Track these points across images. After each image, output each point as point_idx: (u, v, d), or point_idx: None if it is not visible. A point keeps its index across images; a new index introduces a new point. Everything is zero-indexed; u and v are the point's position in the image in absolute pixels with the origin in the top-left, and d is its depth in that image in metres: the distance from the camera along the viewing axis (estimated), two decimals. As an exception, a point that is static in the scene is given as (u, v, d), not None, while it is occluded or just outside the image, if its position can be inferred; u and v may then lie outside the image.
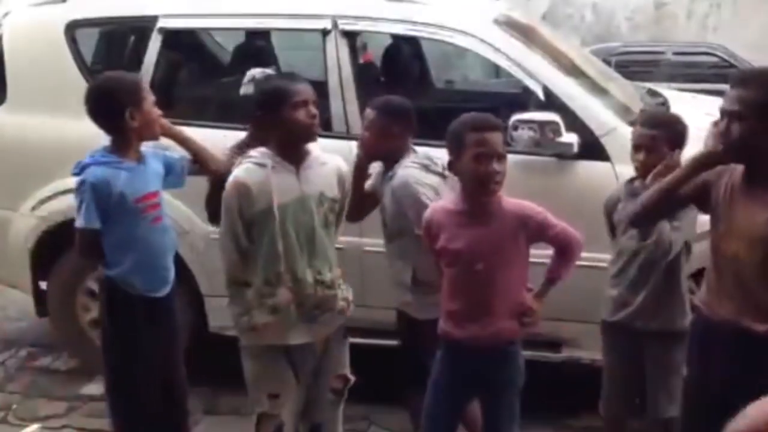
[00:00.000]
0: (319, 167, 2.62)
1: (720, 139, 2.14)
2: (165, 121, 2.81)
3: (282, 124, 2.54)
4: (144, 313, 2.76)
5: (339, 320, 2.70)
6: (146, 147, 2.82)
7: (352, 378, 2.77)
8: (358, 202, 2.94)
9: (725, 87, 6.14)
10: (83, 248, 2.76)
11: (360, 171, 2.99)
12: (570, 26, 10.60)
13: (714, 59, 8.18)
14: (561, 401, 3.48)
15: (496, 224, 2.41)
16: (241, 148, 2.98)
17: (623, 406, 2.85)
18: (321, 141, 3.30)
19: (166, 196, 2.94)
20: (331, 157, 2.70)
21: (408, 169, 2.79)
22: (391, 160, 2.91)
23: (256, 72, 3.12)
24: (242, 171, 2.57)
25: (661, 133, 2.66)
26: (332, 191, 2.64)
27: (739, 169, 2.21)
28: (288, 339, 2.60)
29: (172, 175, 2.86)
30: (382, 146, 2.91)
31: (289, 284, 2.56)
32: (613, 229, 2.84)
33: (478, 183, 2.39)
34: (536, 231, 2.43)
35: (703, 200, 2.28)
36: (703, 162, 2.20)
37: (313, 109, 2.55)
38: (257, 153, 2.60)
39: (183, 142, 2.89)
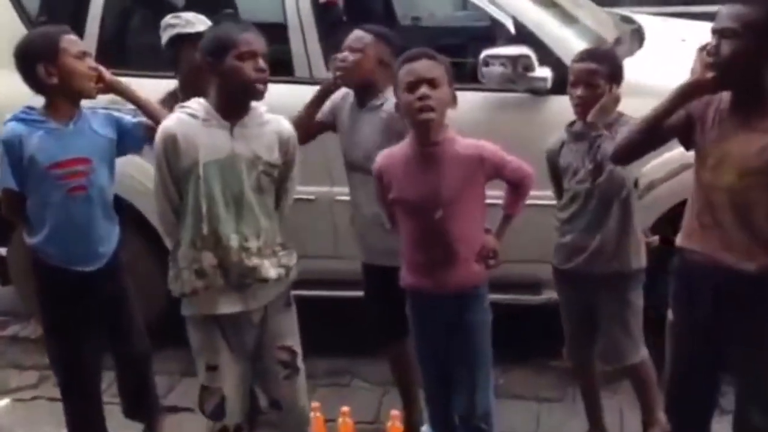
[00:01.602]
0: (257, 127, 2.42)
1: (709, 65, 2.02)
2: (110, 77, 2.63)
3: (224, 74, 2.35)
4: (67, 284, 2.62)
5: (277, 288, 2.52)
6: (95, 109, 2.65)
7: (298, 350, 2.59)
8: (306, 129, 2.80)
9: (693, 9, 6.03)
10: (4, 209, 2.62)
11: (325, 95, 2.85)
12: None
13: (684, -20, 8.02)
14: (542, 343, 3.44)
15: (451, 167, 2.36)
16: (173, 99, 2.82)
17: (586, 352, 2.81)
18: (282, 87, 3.20)
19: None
20: (274, 118, 2.48)
21: None
22: (368, 91, 2.76)
23: (167, 18, 2.93)
24: (171, 121, 2.39)
25: (599, 68, 2.59)
26: (270, 154, 2.43)
27: (725, 98, 2.11)
28: (219, 308, 2.44)
29: (127, 141, 2.69)
30: (370, 71, 2.76)
31: (212, 248, 2.39)
32: (556, 178, 2.76)
33: (411, 114, 2.33)
34: (493, 171, 2.40)
35: (686, 133, 2.19)
36: (690, 91, 2.10)
37: (262, 63, 2.35)
38: (193, 103, 2.42)
39: (135, 101, 2.69)
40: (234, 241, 2.41)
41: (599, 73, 2.57)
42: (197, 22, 2.85)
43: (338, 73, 2.79)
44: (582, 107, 2.60)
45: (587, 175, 2.60)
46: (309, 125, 2.85)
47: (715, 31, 2.04)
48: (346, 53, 2.78)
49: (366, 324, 2.97)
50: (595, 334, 2.75)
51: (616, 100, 2.57)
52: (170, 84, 3.17)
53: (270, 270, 2.46)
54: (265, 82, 2.37)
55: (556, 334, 3.16)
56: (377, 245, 2.80)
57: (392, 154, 2.47)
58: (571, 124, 2.71)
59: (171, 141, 2.35)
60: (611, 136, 2.49)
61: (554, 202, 2.85)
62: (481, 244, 2.43)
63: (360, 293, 3.00)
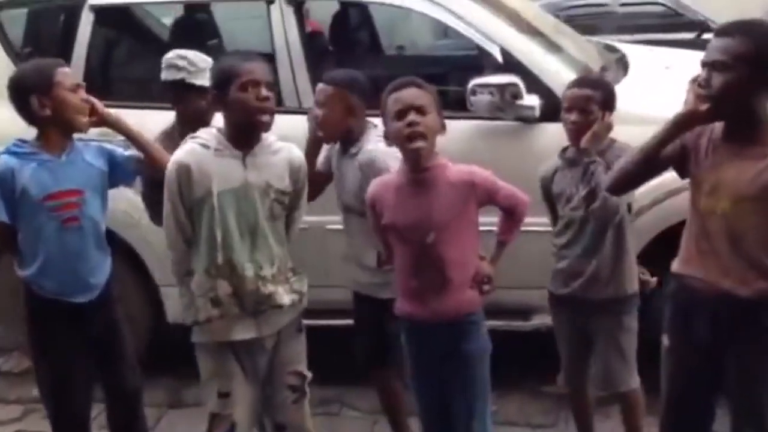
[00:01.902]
0: (269, 155, 2.45)
1: (701, 97, 2.05)
2: (103, 109, 2.61)
3: (228, 106, 2.37)
4: (61, 316, 2.58)
5: (290, 315, 2.53)
6: (88, 141, 2.63)
7: (309, 374, 2.62)
8: (311, 182, 2.78)
9: (673, 36, 6.15)
10: None
11: (314, 149, 2.86)
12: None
13: (660, 9, 8.17)
14: (534, 369, 3.45)
15: (442, 192, 2.37)
16: (170, 137, 2.83)
17: (582, 377, 2.81)
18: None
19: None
20: (285, 146, 2.51)
21: (376, 144, 2.65)
22: (348, 139, 2.79)
23: (172, 55, 2.92)
24: (184, 151, 2.40)
25: (594, 94, 2.62)
26: (281, 182, 2.46)
27: (717, 127, 2.14)
28: (233, 335, 2.44)
29: (119, 174, 2.68)
30: (341, 123, 2.77)
31: (228, 277, 2.40)
32: (550, 203, 2.78)
33: (401, 141, 2.34)
34: (485, 196, 2.40)
35: (681, 163, 2.21)
36: (684, 122, 2.12)
37: (265, 91, 2.36)
38: (205, 133, 2.44)
39: (128, 135, 2.67)
40: (249, 270, 2.42)
41: (593, 100, 2.60)
42: (204, 68, 2.80)
43: (317, 131, 2.81)
44: (575, 133, 2.62)
45: (581, 202, 2.61)
46: (312, 178, 2.80)
47: (705, 64, 2.07)
48: (314, 108, 2.81)
49: (355, 352, 2.96)
50: (590, 360, 2.75)
51: (609, 126, 2.60)
52: (155, 115, 3.18)
53: (284, 296, 2.48)
54: (269, 111, 2.39)
55: (547, 360, 3.17)
56: (364, 280, 2.84)
57: (385, 182, 2.49)
58: (564, 150, 2.73)
59: (184, 171, 2.36)
60: (603, 162, 2.51)
61: (544, 228, 2.86)
62: (474, 269, 2.43)
63: (350, 322, 2.99)
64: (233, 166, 2.39)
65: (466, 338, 2.43)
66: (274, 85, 2.47)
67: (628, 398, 2.75)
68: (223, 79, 2.39)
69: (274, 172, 2.45)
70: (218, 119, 2.79)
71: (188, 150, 2.41)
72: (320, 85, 2.83)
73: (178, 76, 2.85)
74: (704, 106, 2.05)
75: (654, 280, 2.76)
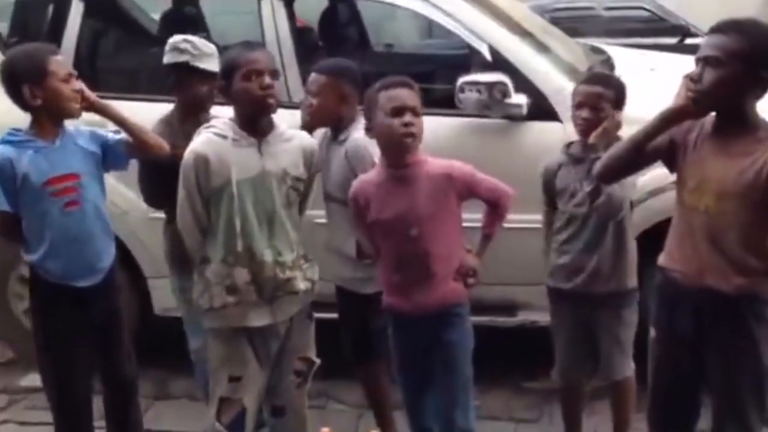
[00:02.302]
0: (283, 143, 2.50)
1: (691, 92, 2.08)
2: (94, 97, 2.61)
3: (234, 95, 2.42)
4: (66, 301, 2.60)
5: (303, 301, 2.60)
6: (79, 126, 2.63)
7: (317, 360, 2.69)
8: None
9: (657, 41, 6.19)
10: (1, 230, 2.63)
11: None
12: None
13: (644, 13, 8.24)
14: (518, 365, 3.49)
15: (423, 186, 2.40)
16: (168, 124, 2.84)
17: (578, 372, 2.84)
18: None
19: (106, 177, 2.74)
20: (297, 133, 2.58)
21: (362, 132, 2.67)
22: (339, 126, 2.81)
23: (177, 39, 2.92)
24: (201, 141, 2.44)
25: (606, 92, 2.65)
26: (296, 169, 2.52)
27: (708, 123, 2.17)
28: (249, 321, 2.49)
29: (111, 158, 2.68)
30: (334, 111, 2.80)
31: (247, 264, 2.45)
32: (550, 197, 2.81)
33: (392, 136, 2.38)
34: (465, 189, 2.43)
35: (670, 157, 2.25)
36: (673, 116, 2.16)
37: (268, 79, 2.41)
38: (218, 123, 2.48)
39: (117, 120, 2.67)
40: (268, 256, 2.46)
41: (605, 97, 2.62)
42: (209, 54, 2.82)
43: (308, 119, 2.84)
44: (585, 129, 2.64)
45: (585, 198, 2.64)
46: None
47: (698, 60, 2.10)
48: (307, 97, 2.84)
49: (341, 346, 2.98)
50: (587, 354, 2.78)
51: (618, 124, 2.61)
52: (144, 106, 3.18)
53: (300, 282, 2.53)
54: (273, 98, 2.42)
55: (531, 356, 3.21)
56: (341, 273, 2.87)
57: (366, 179, 2.52)
58: (568, 145, 2.76)
59: (202, 162, 2.40)
60: None
61: (529, 225, 2.90)
62: (458, 260, 2.45)
63: (335, 315, 3.01)
64: (250, 155, 2.44)
65: (450, 329, 2.47)
66: (278, 74, 2.50)
67: (622, 386, 2.79)
68: (227, 70, 2.44)
69: (290, 159, 2.50)
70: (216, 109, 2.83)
71: (205, 140, 2.44)
72: (313, 75, 2.86)
73: (182, 58, 2.83)
74: (693, 103, 2.07)
75: None
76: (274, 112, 2.47)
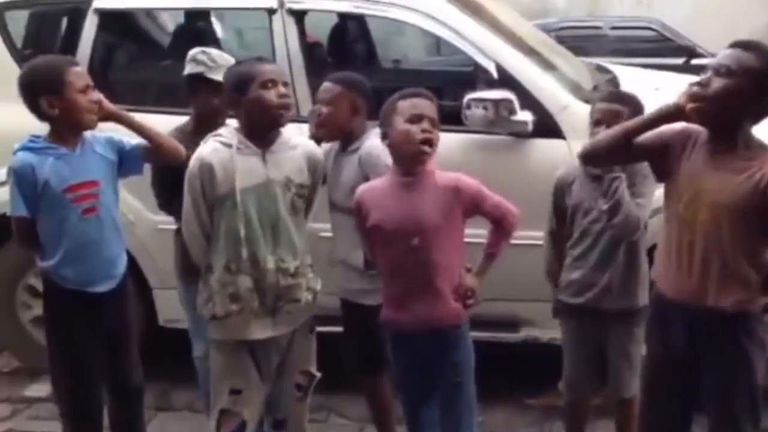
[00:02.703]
0: (288, 150, 2.54)
1: (694, 95, 2.09)
2: (111, 107, 2.65)
3: (249, 104, 2.45)
4: (80, 307, 2.63)
5: (305, 313, 2.61)
6: (95, 133, 2.67)
7: (318, 374, 2.70)
8: None
9: (662, 61, 6.19)
10: (17, 236, 2.67)
11: None
12: (508, 2, 10.58)
13: (651, 33, 8.28)
14: (521, 381, 3.49)
15: (429, 197, 2.40)
16: (183, 133, 2.88)
17: (588, 387, 2.85)
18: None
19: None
20: (302, 140, 2.62)
21: (377, 140, 2.67)
22: (349, 138, 2.84)
23: (195, 50, 2.97)
24: (207, 150, 2.47)
25: (624, 110, 2.66)
26: (301, 176, 2.55)
27: (702, 136, 2.19)
28: (251, 334, 2.51)
29: (128, 163, 2.72)
30: (346, 121, 2.83)
31: (249, 272, 2.47)
32: (559, 209, 2.81)
33: (409, 143, 2.38)
34: (471, 204, 2.42)
35: (660, 162, 2.25)
36: (668, 113, 2.16)
37: (283, 89, 2.46)
38: (225, 131, 2.51)
39: (134, 128, 2.71)
40: (271, 263, 2.48)
41: (623, 115, 2.61)
42: (224, 65, 2.84)
43: (319, 129, 2.85)
44: None
45: (601, 215, 2.65)
46: None
47: (710, 68, 2.12)
48: (319, 107, 2.86)
49: (343, 359, 2.99)
50: (596, 369, 2.79)
51: None
52: (157, 119, 3.22)
53: (303, 291, 2.55)
54: (288, 108, 2.48)
55: (533, 372, 3.21)
56: (345, 285, 2.87)
57: (372, 186, 2.53)
58: None
59: (208, 170, 2.44)
60: (625, 177, 2.56)
61: (533, 242, 2.91)
62: (459, 281, 2.43)
63: (339, 329, 3.02)
64: (254, 163, 2.47)
65: (453, 348, 2.45)
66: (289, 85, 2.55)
67: (628, 404, 2.78)
68: (242, 81, 2.47)
69: (294, 166, 2.53)
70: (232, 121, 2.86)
71: (211, 149, 2.47)
72: (326, 84, 2.88)
73: (197, 69, 2.89)
74: (691, 105, 2.09)
75: None
76: (284, 125, 2.51)
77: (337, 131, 2.86)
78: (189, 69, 2.92)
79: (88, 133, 2.66)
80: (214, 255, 2.50)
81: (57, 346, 2.69)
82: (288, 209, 2.52)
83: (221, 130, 2.53)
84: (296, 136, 2.58)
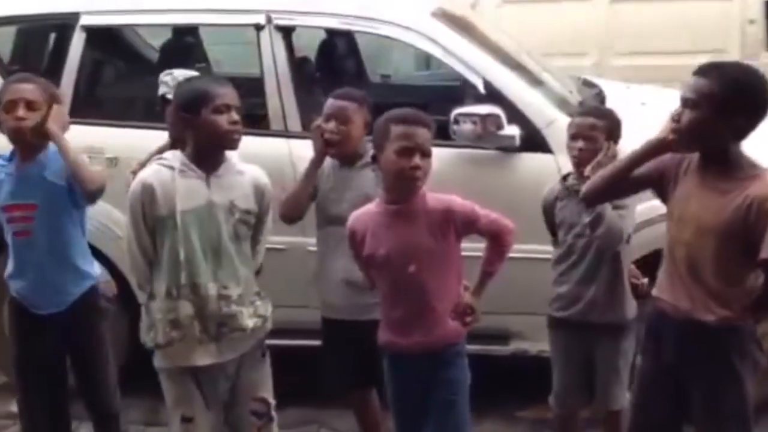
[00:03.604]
0: (233, 176, 2.48)
1: (673, 130, 2.15)
2: (50, 126, 2.55)
3: (200, 127, 2.40)
4: (28, 323, 2.64)
5: (252, 339, 2.54)
6: (56, 156, 2.59)
7: (272, 401, 2.62)
8: (305, 198, 2.86)
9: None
10: None
11: (318, 167, 2.89)
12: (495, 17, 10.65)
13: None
14: (510, 394, 3.49)
15: (421, 222, 2.37)
16: (163, 151, 2.88)
17: (577, 399, 2.86)
18: (258, 140, 3.27)
19: (100, 203, 2.76)
20: (249, 168, 2.54)
21: None
22: (356, 153, 2.85)
23: (172, 72, 3.00)
24: (148, 172, 2.45)
25: (600, 123, 2.71)
26: (246, 203, 2.48)
27: (695, 158, 2.22)
28: (193, 360, 2.45)
29: (77, 192, 2.62)
30: (361, 138, 2.83)
31: (190, 297, 2.41)
32: (552, 228, 2.84)
33: (399, 177, 2.34)
34: (464, 224, 2.39)
35: (658, 187, 2.30)
36: (654, 148, 2.21)
37: (235, 116, 2.42)
38: (168, 155, 2.49)
39: (60, 150, 2.57)
40: (212, 290, 2.43)
41: (599, 128, 2.67)
42: None
43: (331, 147, 2.84)
44: (580, 161, 2.68)
45: (584, 229, 2.68)
46: (304, 196, 2.88)
47: (680, 99, 2.17)
48: (334, 125, 2.83)
49: (323, 376, 2.98)
50: (585, 383, 2.80)
51: (614, 156, 2.63)
52: (143, 134, 3.23)
53: (247, 319, 2.48)
54: (238, 134, 2.44)
55: (523, 385, 3.21)
56: (341, 302, 2.85)
57: (362, 214, 2.48)
58: (565, 177, 2.80)
59: (148, 191, 2.39)
60: None
61: (524, 255, 2.92)
62: (457, 296, 2.41)
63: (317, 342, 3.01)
64: (197, 187, 2.42)
65: (449, 367, 2.43)
66: (241, 110, 2.48)
67: (615, 417, 2.80)
68: (194, 102, 2.41)
69: (239, 192, 2.47)
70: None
71: (152, 170, 2.45)
72: (344, 103, 2.85)
73: (162, 90, 2.94)
74: (672, 137, 2.14)
75: (646, 281, 2.78)
76: (236, 147, 2.47)
77: (352, 147, 2.85)
78: (159, 90, 2.99)
79: (46, 155, 2.61)
80: (156, 281, 2.45)
81: (14, 358, 2.73)
82: (230, 235, 2.45)
83: (165, 154, 2.51)
84: (242, 163, 2.52)
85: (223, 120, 2.39)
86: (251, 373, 2.56)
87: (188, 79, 2.71)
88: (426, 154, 2.33)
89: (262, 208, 2.55)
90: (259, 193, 2.53)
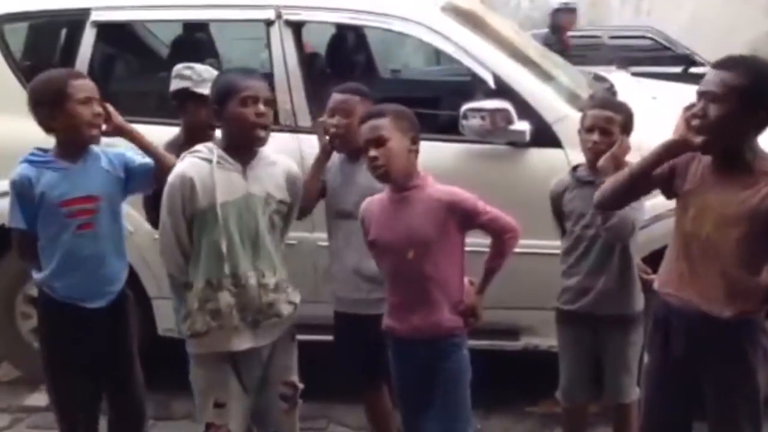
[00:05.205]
0: (267, 167, 2.52)
1: (695, 127, 2.10)
2: (118, 121, 2.63)
3: (228, 119, 2.44)
4: (69, 320, 2.62)
5: (285, 325, 2.59)
6: (105, 148, 2.67)
7: (301, 385, 2.66)
8: (314, 193, 2.86)
9: (661, 69, 6.24)
10: (16, 248, 2.68)
11: (325, 161, 2.91)
12: (506, 12, 10.64)
13: (649, 42, 8.30)
14: (520, 389, 3.49)
15: (422, 210, 2.41)
16: (175, 147, 2.88)
17: (585, 393, 2.86)
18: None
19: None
20: (281, 158, 2.59)
21: None
22: (359, 148, 2.80)
23: (180, 66, 3.00)
24: (186, 165, 2.46)
25: (616, 116, 2.69)
26: (280, 193, 2.54)
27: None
28: (231, 346, 2.48)
29: (136, 181, 2.70)
30: None
31: (230, 288, 2.45)
32: (560, 219, 2.84)
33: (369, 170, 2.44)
34: (465, 217, 2.41)
35: (668, 184, 2.27)
36: (675, 148, 2.17)
37: (263, 107, 2.43)
38: (203, 147, 2.50)
39: (142, 146, 2.68)
40: (252, 279, 2.47)
41: (615, 122, 2.66)
42: (209, 79, 2.86)
43: (335, 141, 2.86)
44: (595, 153, 2.67)
45: (593, 219, 2.66)
46: (313, 191, 2.88)
47: (701, 94, 2.12)
48: (337, 119, 2.85)
49: (339, 371, 2.98)
50: (593, 376, 2.80)
51: (626, 149, 2.63)
52: (154, 130, 3.24)
53: (283, 306, 2.53)
54: (265, 126, 2.45)
55: (532, 380, 3.21)
56: (352, 295, 2.86)
57: (372, 200, 2.55)
58: (575, 168, 2.79)
59: (188, 184, 2.42)
60: None
61: (533, 250, 2.93)
62: (457, 289, 2.45)
63: (329, 338, 3.02)
64: (235, 179, 2.45)
65: (446, 358, 2.46)
66: (273, 102, 2.52)
67: (626, 410, 2.80)
68: (223, 94, 2.45)
69: (274, 183, 2.52)
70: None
71: (190, 163, 2.46)
72: (346, 96, 2.87)
73: (182, 84, 2.92)
74: (699, 138, 2.09)
75: (653, 276, 2.75)
76: (262, 145, 2.48)
77: (356, 141, 2.82)
78: (175, 85, 2.96)
79: (96, 147, 2.65)
80: (193, 271, 2.47)
81: (45, 356, 2.70)
82: (267, 225, 2.50)
83: (198, 146, 2.51)
84: (274, 153, 2.56)
85: (249, 112, 2.41)
86: (282, 358, 2.61)
87: (223, 72, 2.72)
88: (379, 143, 2.39)
89: (294, 198, 2.61)
90: (291, 182, 2.58)
